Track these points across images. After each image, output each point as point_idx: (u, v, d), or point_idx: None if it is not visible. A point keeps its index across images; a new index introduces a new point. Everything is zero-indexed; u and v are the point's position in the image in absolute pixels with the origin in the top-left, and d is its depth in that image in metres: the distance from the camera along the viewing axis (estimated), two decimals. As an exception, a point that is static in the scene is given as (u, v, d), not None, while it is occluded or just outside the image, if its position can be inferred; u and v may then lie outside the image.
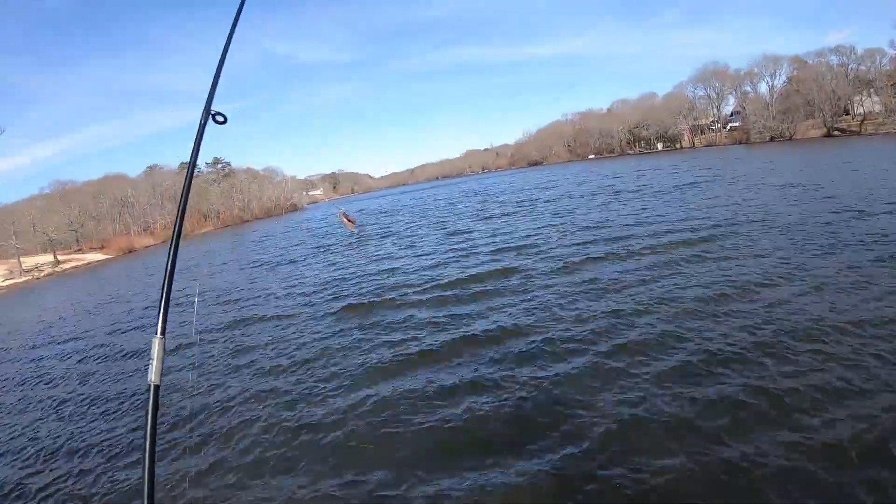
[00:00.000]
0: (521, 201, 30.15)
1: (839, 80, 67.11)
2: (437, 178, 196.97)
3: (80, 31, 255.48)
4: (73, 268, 52.14)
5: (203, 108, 1.76)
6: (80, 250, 63.84)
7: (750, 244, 10.64)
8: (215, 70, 1.96)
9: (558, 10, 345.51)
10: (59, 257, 56.24)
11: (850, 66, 68.19)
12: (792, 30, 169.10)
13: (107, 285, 27.29)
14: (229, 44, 2.07)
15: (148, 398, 1.30)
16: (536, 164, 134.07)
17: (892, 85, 60.50)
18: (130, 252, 60.37)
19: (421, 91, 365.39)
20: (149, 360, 1.36)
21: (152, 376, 1.33)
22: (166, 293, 1.52)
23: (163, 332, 1.42)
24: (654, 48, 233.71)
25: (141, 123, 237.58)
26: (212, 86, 1.88)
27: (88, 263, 54.33)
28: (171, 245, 1.60)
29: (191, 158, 1.74)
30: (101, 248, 63.55)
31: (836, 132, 65.14)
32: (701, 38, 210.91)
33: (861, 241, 9.61)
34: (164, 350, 1.42)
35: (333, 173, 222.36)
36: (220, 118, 1.78)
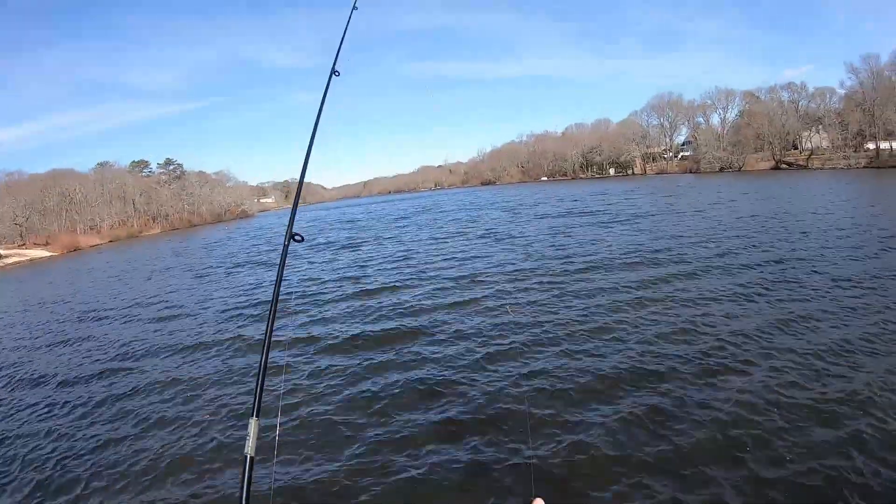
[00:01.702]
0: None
1: (789, 115, 67.53)
2: (390, 192, 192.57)
3: (34, 12, 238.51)
4: (14, 263, 49.43)
5: (286, 233, 2.09)
6: (23, 245, 61.30)
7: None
8: (293, 203, 2.38)
9: (521, 32, 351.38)
10: (1, 252, 53.29)
11: (800, 103, 68.99)
12: (749, 66, 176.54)
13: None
14: (305, 170, 2.56)
15: (244, 468, 1.48)
16: (490, 183, 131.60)
17: (840, 123, 60.71)
18: (75, 250, 57.75)
19: (378, 104, 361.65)
20: (246, 435, 1.55)
21: (248, 450, 1.51)
22: (261, 380, 1.73)
23: (257, 414, 1.60)
24: (611, 76, 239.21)
25: (95, 117, 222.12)
26: (291, 216, 2.25)
27: (31, 260, 52.33)
28: (265, 343, 1.80)
29: (277, 275, 2.02)
30: (46, 244, 60.53)
31: (783, 165, 65.07)
32: (658, 69, 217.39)
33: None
34: (259, 429, 1.60)
35: (286, 181, 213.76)
36: (298, 238, 2.09)
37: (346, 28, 3.15)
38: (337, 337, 8.89)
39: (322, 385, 6.85)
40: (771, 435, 4.52)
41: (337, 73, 2.79)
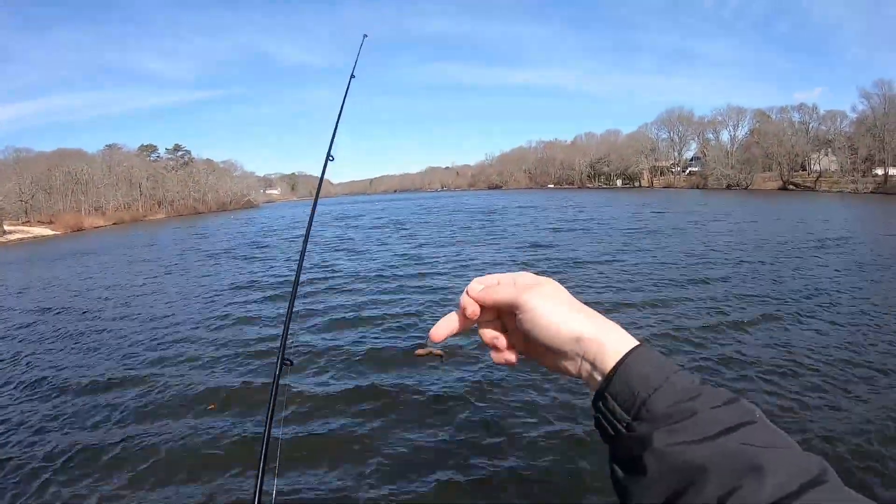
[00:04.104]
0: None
1: (799, 136, 67.85)
2: (396, 191, 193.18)
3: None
4: (18, 240, 49.19)
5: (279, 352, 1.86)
6: (27, 222, 60.47)
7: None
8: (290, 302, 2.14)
9: (538, 41, 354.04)
10: (6, 227, 53.06)
11: (811, 125, 69.32)
12: (761, 86, 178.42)
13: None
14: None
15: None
16: (496, 187, 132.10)
17: (849, 147, 61.06)
18: (79, 230, 58.02)
19: (393, 103, 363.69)
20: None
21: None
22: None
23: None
24: (624, 89, 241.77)
25: (106, 100, 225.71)
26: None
27: (35, 237, 52.19)
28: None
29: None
30: (50, 222, 60.52)
31: (791, 186, 65.39)
32: (671, 85, 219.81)
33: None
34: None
35: (293, 174, 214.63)
36: (287, 362, 1.85)
37: (344, 97, 2.93)
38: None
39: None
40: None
41: (332, 159, 2.62)
